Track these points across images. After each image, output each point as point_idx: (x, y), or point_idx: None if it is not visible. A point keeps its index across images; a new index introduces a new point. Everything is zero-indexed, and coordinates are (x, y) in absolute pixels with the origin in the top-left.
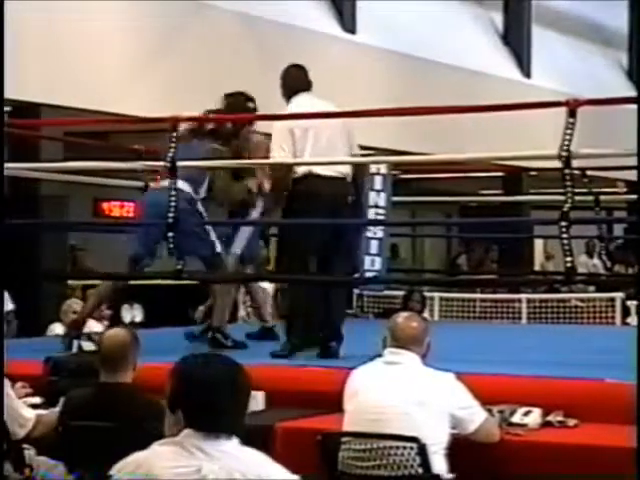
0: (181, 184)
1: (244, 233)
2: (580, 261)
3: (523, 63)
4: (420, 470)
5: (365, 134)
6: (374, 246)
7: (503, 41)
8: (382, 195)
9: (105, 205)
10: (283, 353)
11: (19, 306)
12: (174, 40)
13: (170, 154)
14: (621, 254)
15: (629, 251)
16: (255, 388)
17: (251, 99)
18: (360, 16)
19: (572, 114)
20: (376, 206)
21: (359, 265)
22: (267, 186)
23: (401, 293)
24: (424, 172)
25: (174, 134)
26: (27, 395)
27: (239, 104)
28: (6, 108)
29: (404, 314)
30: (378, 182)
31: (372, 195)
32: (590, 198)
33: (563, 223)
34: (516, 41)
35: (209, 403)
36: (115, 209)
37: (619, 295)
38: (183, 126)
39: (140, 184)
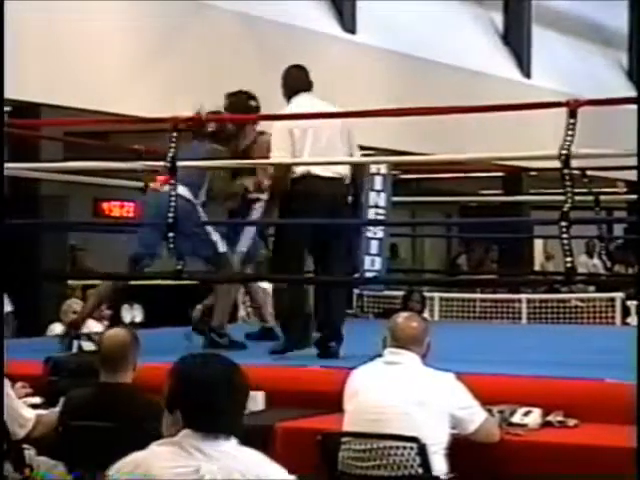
0: (180, 189)
1: (249, 232)
2: (580, 261)
3: (523, 63)
4: (420, 470)
5: (365, 134)
6: (374, 246)
7: (503, 41)
8: (382, 195)
9: (105, 205)
10: (277, 350)
11: (19, 306)
12: (174, 40)
13: (170, 154)
14: (621, 254)
15: (629, 251)
16: (255, 388)
17: (253, 97)
18: (360, 16)
19: (572, 114)
20: (376, 206)
21: (359, 265)
22: (266, 183)
23: (401, 293)
24: (424, 172)
25: (174, 134)
26: (27, 395)
27: (241, 103)
28: (6, 108)
29: (404, 314)
30: (378, 182)
31: (372, 195)
32: (590, 198)
33: (563, 223)
34: (516, 41)
35: (207, 403)
36: (115, 209)
37: (619, 295)
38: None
39: (140, 184)
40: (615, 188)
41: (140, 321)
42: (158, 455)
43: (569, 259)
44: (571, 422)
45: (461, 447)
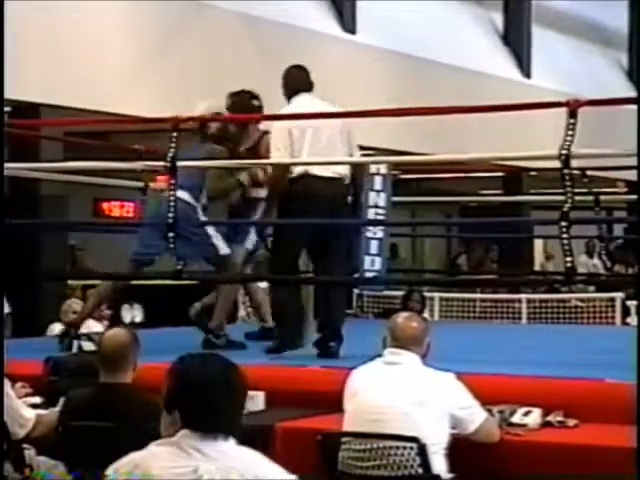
0: (181, 193)
1: (254, 231)
2: (580, 261)
3: (523, 63)
4: (420, 470)
5: (365, 134)
6: (374, 246)
7: (503, 41)
8: (382, 195)
9: (105, 205)
10: (272, 349)
11: (19, 306)
12: (174, 40)
13: (170, 154)
14: (621, 254)
15: (629, 251)
16: (255, 388)
17: (256, 97)
18: (360, 16)
19: (573, 115)
20: (376, 206)
21: (359, 265)
22: (261, 176)
23: (401, 293)
24: (424, 172)
25: (174, 134)
26: (27, 395)
27: (244, 102)
28: (6, 108)
29: (404, 314)
30: (378, 182)
31: (372, 195)
32: (590, 198)
33: (563, 223)
34: (516, 41)
35: (205, 403)
36: (115, 209)
37: (619, 295)
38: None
39: (140, 184)
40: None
41: (140, 321)
42: (156, 455)
43: (569, 259)
44: (571, 422)
45: (461, 447)
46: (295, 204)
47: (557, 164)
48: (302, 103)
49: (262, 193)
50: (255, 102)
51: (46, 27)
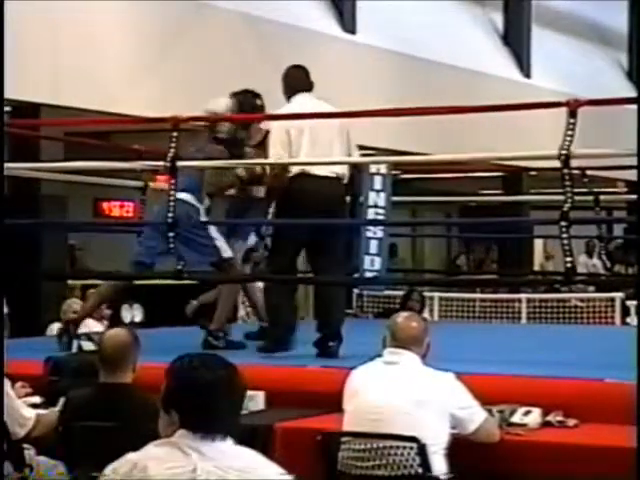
0: (183, 195)
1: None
2: (580, 261)
3: (523, 63)
4: (420, 470)
5: (365, 134)
6: (374, 246)
7: (503, 41)
8: (382, 195)
9: (105, 205)
10: (263, 347)
11: (19, 306)
12: (174, 40)
13: (170, 154)
14: (621, 254)
15: (629, 251)
16: (255, 388)
17: (259, 96)
18: (360, 16)
19: (572, 114)
20: (376, 206)
21: (359, 265)
22: (258, 170)
23: (401, 293)
24: (424, 172)
25: (174, 134)
26: (27, 395)
27: (247, 102)
28: (6, 108)
29: (404, 314)
30: (378, 182)
31: (372, 195)
32: (590, 198)
33: (563, 223)
34: (516, 41)
35: (204, 404)
36: (115, 209)
37: (619, 295)
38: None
39: (140, 184)
40: (615, 188)
41: (140, 321)
42: (154, 455)
43: (569, 259)
44: (571, 422)
45: (461, 447)
46: (293, 203)
47: (557, 164)
48: (302, 103)
49: (261, 192)
50: (258, 102)
51: (46, 27)
